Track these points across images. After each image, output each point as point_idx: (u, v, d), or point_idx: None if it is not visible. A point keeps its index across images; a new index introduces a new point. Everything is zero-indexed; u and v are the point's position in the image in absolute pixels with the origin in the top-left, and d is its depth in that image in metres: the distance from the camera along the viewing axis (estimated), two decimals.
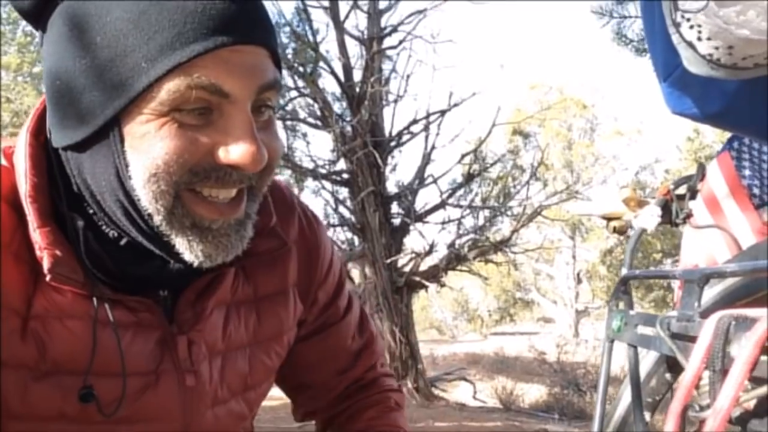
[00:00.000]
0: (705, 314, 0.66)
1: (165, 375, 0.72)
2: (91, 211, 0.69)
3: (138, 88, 0.61)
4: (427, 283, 7.07)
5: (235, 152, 0.63)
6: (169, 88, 0.61)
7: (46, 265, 0.65)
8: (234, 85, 0.62)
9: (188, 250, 0.66)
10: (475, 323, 17.10)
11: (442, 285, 7.43)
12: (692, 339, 0.68)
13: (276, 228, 0.82)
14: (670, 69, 0.87)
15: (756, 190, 1.12)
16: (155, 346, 0.72)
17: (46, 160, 0.70)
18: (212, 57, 0.61)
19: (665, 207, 1.13)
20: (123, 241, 0.69)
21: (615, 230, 1.21)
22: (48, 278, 0.65)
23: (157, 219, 0.64)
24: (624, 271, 0.89)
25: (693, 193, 1.16)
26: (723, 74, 0.70)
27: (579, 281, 16.14)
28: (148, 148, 0.62)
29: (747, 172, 1.13)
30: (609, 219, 1.24)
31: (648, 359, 1.06)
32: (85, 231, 0.68)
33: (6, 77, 10.34)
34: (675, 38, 0.71)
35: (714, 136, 14.12)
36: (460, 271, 7.73)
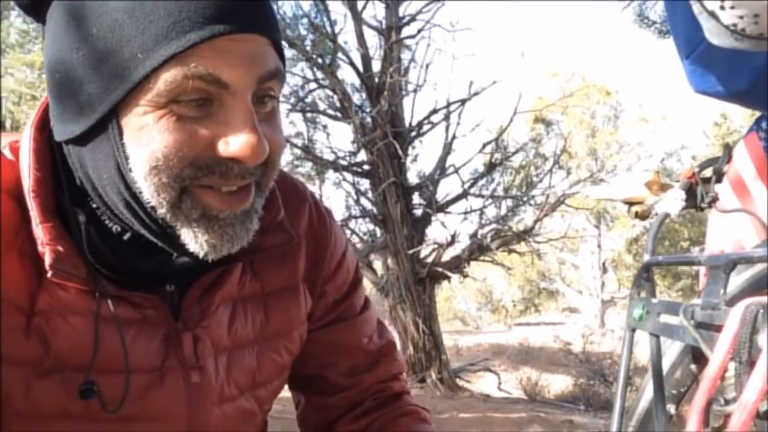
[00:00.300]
0: (731, 302, 0.62)
1: (170, 372, 0.71)
2: (94, 206, 0.68)
3: (135, 79, 0.60)
4: (449, 274, 7.04)
5: (234, 144, 0.62)
6: (166, 78, 0.60)
7: (47, 260, 0.64)
8: (232, 74, 0.61)
9: (193, 241, 0.65)
10: (499, 314, 17.02)
11: (465, 275, 7.38)
12: (717, 328, 0.65)
13: (284, 223, 0.80)
14: (692, 45, 0.82)
15: None
16: (160, 343, 0.72)
17: (51, 154, 0.70)
18: (209, 46, 0.60)
19: (690, 191, 1.09)
20: (127, 236, 0.69)
21: (637, 215, 1.17)
22: (49, 274, 0.64)
23: (161, 211, 0.64)
24: (646, 258, 0.86)
25: (719, 176, 1.11)
26: (748, 46, 0.65)
27: (604, 270, 15.96)
28: (147, 141, 0.61)
29: None
30: (631, 204, 1.20)
31: (672, 349, 1.03)
32: (87, 226, 0.67)
33: (31, 75, 10.49)
34: (696, 8, 0.66)
35: (742, 120, 13.82)
36: (483, 261, 7.68)
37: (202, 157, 0.63)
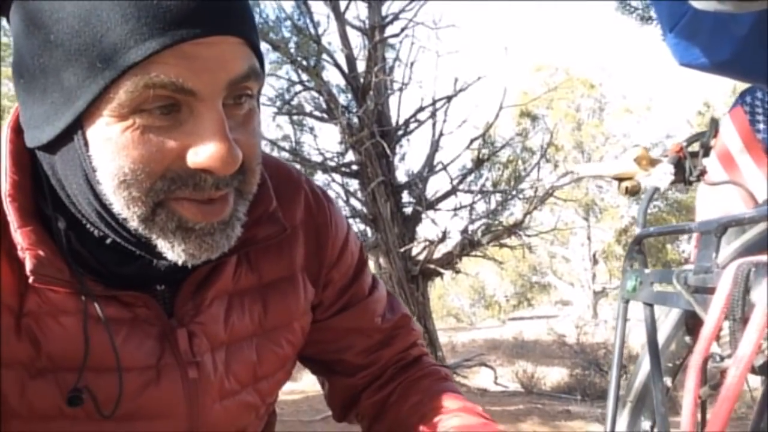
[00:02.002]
0: (724, 265, 0.64)
1: (166, 369, 0.71)
2: (73, 210, 0.66)
3: (94, 90, 0.57)
4: (442, 271, 7.05)
5: (203, 155, 0.59)
6: (127, 88, 0.57)
7: (28, 266, 0.63)
8: (199, 81, 0.58)
9: (170, 251, 0.64)
10: (492, 309, 17.07)
11: (457, 272, 7.40)
12: (711, 291, 0.66)
13: (276, 213, 0.78)
14: (675, 18, 0.84)
15: None
16: (155, 341, 0.71)
17: (30, 158, 0.67)
18: (172, 53, 0.57)
19: (678, 165, 1.11)
20: (108, 240, 0.67)
21: (627, 191, 1.18)
22: (31, 280, 0.63)
23: (133, 224, 0.62)
24: (637, 231, 0.87)
25: (706, 150, 1.13)
26: (731, 8, 0.66)
27: (595, 262, 16.05)
28: (113, 154, 0.59)
29: (761, 126, 1.10)
30: (621, 180, 1.21)
31: (667, 323, 1.04)
32: (67, 231, 0.66)
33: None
34: None
35: (725, 108, 13.96)
36: (475, 256, 7.70)
37: (173, 169, 0.60)
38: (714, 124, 1.15)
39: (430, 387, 0.89)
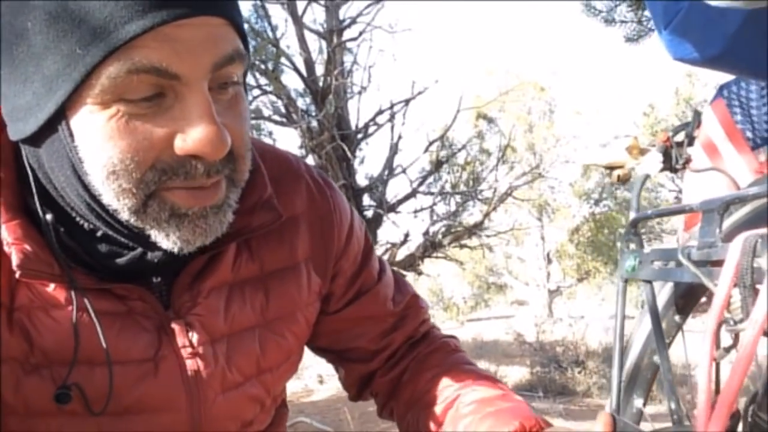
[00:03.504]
0: (727, 238, 0.69)
1: (164, 362, 0.70)
2: (62, 203, 0.65)
3: (75, 77, 0.56)
4: (404, 273, 7.10)
5: (192, 139, 0.58)
6: (109, 74, 0.55)
7: (15, 261, 0.62)
8: (183, 65, 0.56)
9: (165, 239, 0.63)
10: (451, 311, 17.22)
11: (420, 273, 7.47)
12: (715, 264, 0.71)
13: (271, 200, 0.77)
14: (670, 16, 0.90)
15: (749, 134, 1.17)
16: (151, 334, 0.70)
17: (15, 152, 0.66)
18: (154, 36, 0.55)
19: (666, 154, 1.17)
20: (99, 233, 0.65)
21: (619, 178, 1.24)
22: (18, 275, 0.62)
23: (124, 216, 0.61)
24: (632, 215, 0.92)
25: (690, 140, 1.20)
26: (743, 4, 0.71)
27: (549, 261, 16.37)
28: (99, 145, 0.58)
29: (739, 117, 1.18)
30: (612, 168, 1.28)
31: (657, 303, 1.10)
32: (56, 225, 0.64)
33: None
34: None
35: (669, 110, 14.47)
36: (436, 257, 7.78)
37: (163, 158, 0.59)
38: (697, 115, 1.22)
39: (443, 360, 0.90)
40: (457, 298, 17.57)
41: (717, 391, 0.71)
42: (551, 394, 6.65)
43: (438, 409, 0.84)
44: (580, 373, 7.25)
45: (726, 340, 0.66)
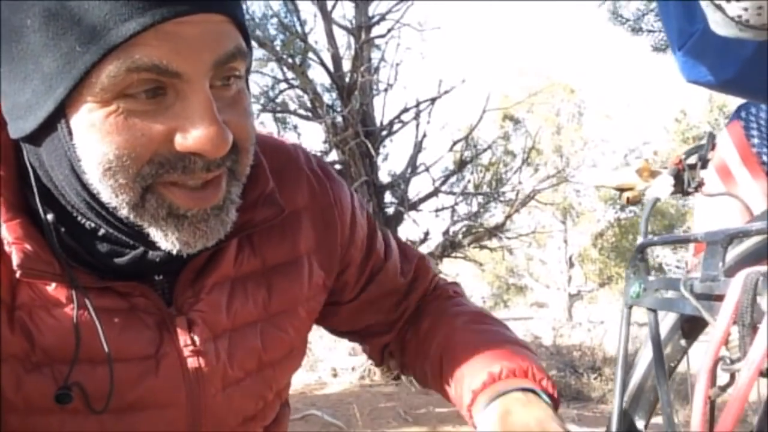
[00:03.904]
0: (730, 273, 0.68)
1: (166, 359, 0.70)
2: (63, 202, 0.65)
3: (75, 75, 0.55)
4: None
5: (192, 138, 0.58)
6: (109, 72, 0.55)
7: (15, 260, 0.62)
8: (183, 63, 0.56)
9: (164, 239, 0.63)
10: None
11: (438, 272, 7.45)
12: (717, 298, 0.70)
13: (273, 195, 0.76)
14: (684, 38, 0.88)
15: (765, 158, 1.15)
16: (153, 330, 0.69)
17: (16, 150, 0.66)
18: (154, 33, 0.55)
19: (677, 176, 1.16)
20: (101, 232, 0.65)
21: (629, 201, 1.23)
22: (18, 274, 0.62)
23: (123, 212, 0.61)
24: (640, 240, 0.91)
25: (704, 163, 1.19)
26: (752, 35, 0.71)
27: (571, 265, 16.23)
28: (96, 142, 0.57)
29: (756, 141, 1.15)
30: (622, 190, 1.26)
31: (663, 327, 1.08)
32: (57, 225, 0.64)
33: None
34: (703, 1, 0.72)
35: (701, 116, 14.22)
36: (456, 258, 7.75)
37: (160, 152, 0.59)
38: (711, 138, 1.20)
39: (439, 308, 0.93)
40: (476, 298, 17.50)
41: (711, 430, 0.70)
42: (565, 399, 6.59)
43: (434, 357, 0.86)
44: (596, 379, 7.18)
45: (723, 377, 0.65)
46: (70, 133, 0.58)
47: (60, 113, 0.58)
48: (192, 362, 0.71)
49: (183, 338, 0.71)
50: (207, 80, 0.59)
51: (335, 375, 7.00)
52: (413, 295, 0.95)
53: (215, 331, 0.73)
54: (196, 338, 0.71)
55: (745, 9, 0.69)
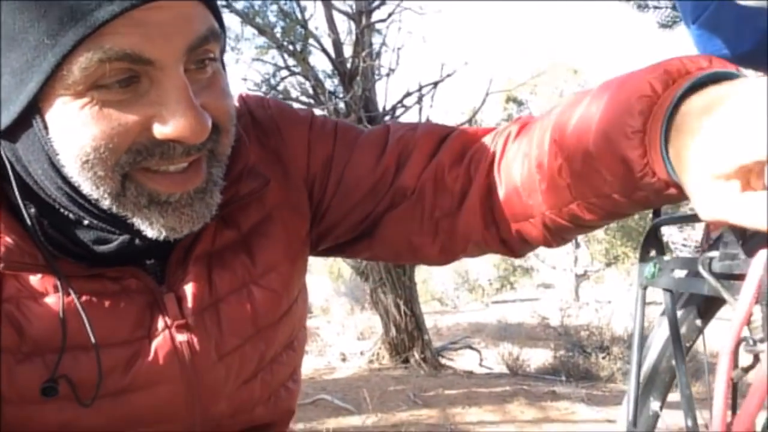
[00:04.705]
0: (750, 252, 0.66)
1: (157, 337, 0.70)
2: (43, 195, 0.64)
3: (45, 68, 0.54)
4: None
5: (170, 125, 0.58)
6: (80, 64, 0.54)
7: None
8: (155, 49, 0.55)
9: (149, 228, 0.62)
10: (476, 293, 17.20)
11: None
12: (737, 277, 0.68)
13: (256, 167, 0.76)
14: (699, 11, 0.86)
15: None
16: (144, 310, 0.70)
17: None
18: (123, 21, 0.54)
19: None
20: (86, 222, 0.65)
21: None
22: (1, 267, 0.62)
23: (105, 203, 0.61)
24: (653, 219, 0.89)
25: None
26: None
27: (577, 245, 16.21)
28: (72, 135, 0.56)
29: None
30: None
31: (677, 307, 1.07)
32: (40, 218, 0.64)
33: None
34: None
35: None
36: None
37: (139, 141, 0.58)
38: None
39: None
40: (483, 280, 17.52)
41: (734, 412, 0.69)
42: (574, 379, 6.62)
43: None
44: (604, 358, 7.20)
45: (746, 359, 0.64)
46: (45, 127, 0.58)
47: (34, 108, 0.57)
48: (182, 337, 0.71)
49: (173, 314, 0.71)
50: (181, 65, 0.58)
51: (344, 359, 7.04)
52: (412, 163, 0.81)
53: (201, 304, 0.73)
54: (186, 312, 0.71)
55: None
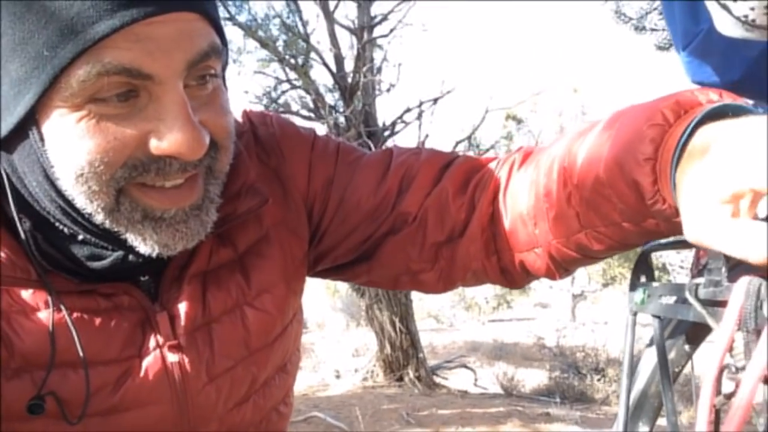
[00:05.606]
0: (732, 278, 0.66)
1: (146, 357, 0.68)
2: (38, 208, 0.63)
3: (44, 80, 0.54)
4: None
5: (168, 141, 0.57)
6: (78, 77, 0.53)
7: None
8: (155, 64, 0.55)
9: (142, 243, 0.61)
10: (472, 311, 17.15)
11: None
12: (720, 304, 0.69)
13: (255, 184, 0.74)
14: (689, 38, 0.87)
15: None
16: (136, 328, 0.68)
17: None
18: (124, 35, 0.53)
19: None
20: (80, 237, 0.64)
21: None
22: None
23: (99, 218, 0.60)
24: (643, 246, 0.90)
25: None
26: (758, 35, 0.69)
27: None
28: (68, 148, 0.56)
29: None
30: None
31: (667, 332, 1.07)
32: (34, 232, 0.63)
33: None
34: (709, 2, 0.70)
35: None
36: None
37: (135, 156, 0.58)
38: None
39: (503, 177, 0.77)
40: (479, 299, 17.48)
41: None
42: (569, 401, 6.59)
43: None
44: (599, 380, 7.17)
45: (728, 386, 0.64)
46: (41, 138, 0.57)
47: (31, 119, 0.57)
48: (173, 358, 0.70)
49: (165, 333, 0.69)
50: (180, 81, 0.57)
51: (338, 376, 7.00)
52: (420, 179, 0.80)
53: (194, 325, 0.72)
54: (178, 332, 0.70)
55: (752, 8, 0.67)
